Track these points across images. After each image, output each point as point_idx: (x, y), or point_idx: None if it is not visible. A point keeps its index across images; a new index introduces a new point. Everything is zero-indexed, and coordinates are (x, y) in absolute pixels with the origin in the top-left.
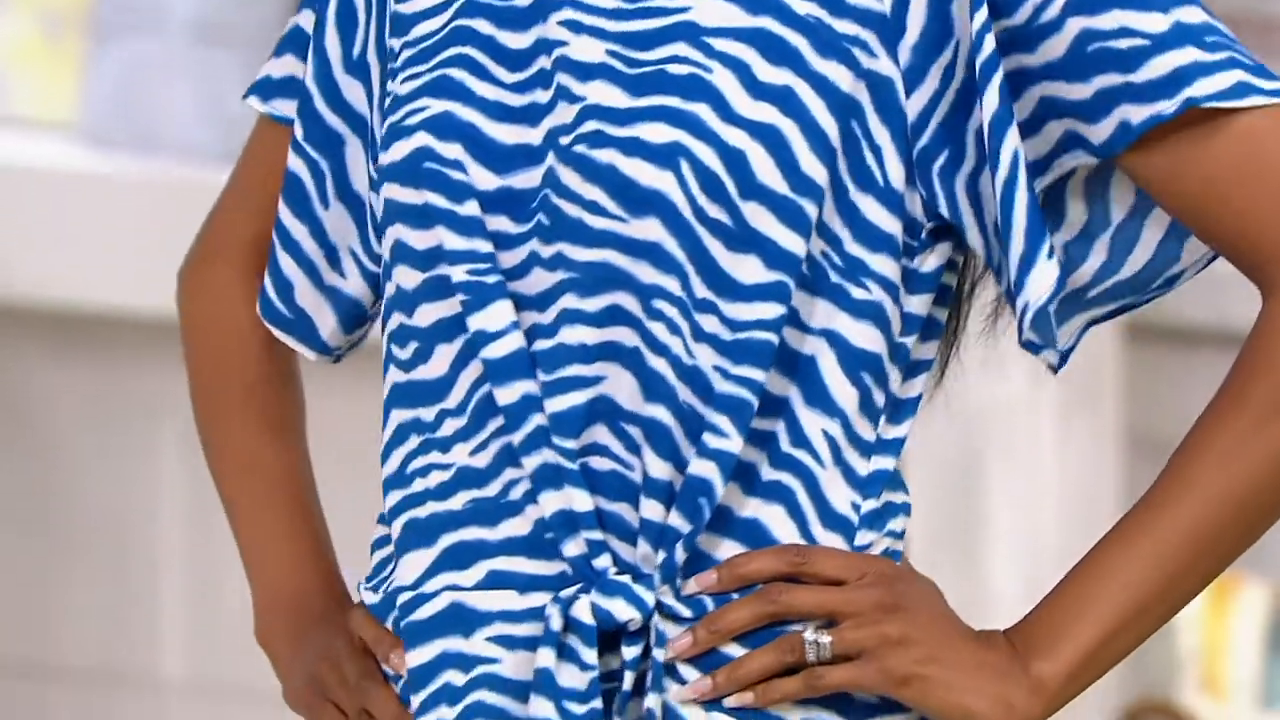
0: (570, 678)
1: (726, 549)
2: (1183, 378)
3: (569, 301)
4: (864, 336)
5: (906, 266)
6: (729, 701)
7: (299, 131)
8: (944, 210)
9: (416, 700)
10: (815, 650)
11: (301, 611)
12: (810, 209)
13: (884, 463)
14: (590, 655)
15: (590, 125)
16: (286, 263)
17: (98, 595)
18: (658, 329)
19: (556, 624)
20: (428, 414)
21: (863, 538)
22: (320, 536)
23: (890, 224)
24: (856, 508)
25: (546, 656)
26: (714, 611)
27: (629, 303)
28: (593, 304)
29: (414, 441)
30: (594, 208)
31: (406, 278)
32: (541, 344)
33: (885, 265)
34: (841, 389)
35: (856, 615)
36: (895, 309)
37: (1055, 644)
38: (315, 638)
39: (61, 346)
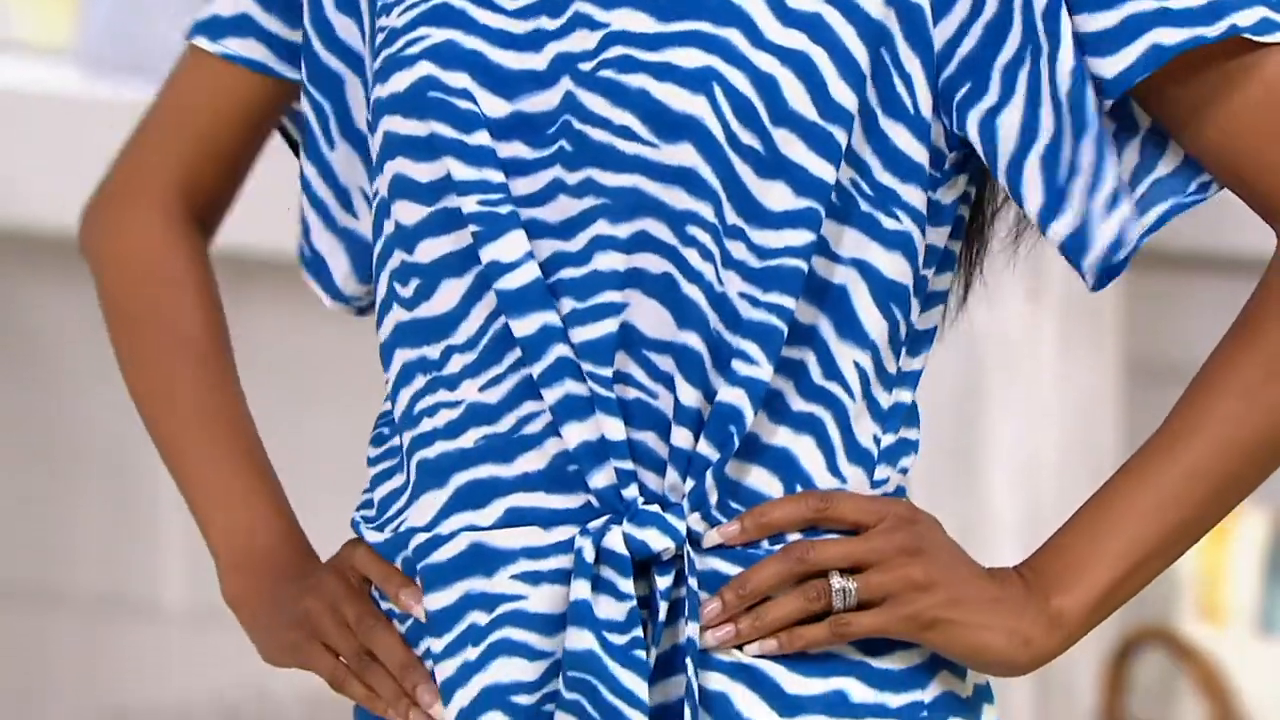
0: (608, 609)
1: (755, 477)
2: (1181, 304)
3: (601, 228)
4: (894, 267)
5: (930, 197)
6: (750, 649)
7: (303, 73)
8: (973, 140)
9: (440, 643)
10: (841, 597)
11: (273, 570)
12: (840, 136)
13: (903, 396)
14: (627, 585)
15: (617, 50)
16: (303, 203)
17: (100, 523)
18: (691, 255)
19: (589, 555)
20: (433, 351)
21: (880, 472)
22: (277, 490)
23: (919, 154)
24: (877, 441)
25: (582, 588)
26: (741, 574)
27: (659, 229)
28: (623, 230)
29: (420, 381)
30: (624, 132)
31: (408, 213)
32: (571, 271)
33: (914, 196)
34: (873, 320)
35: (881, 561)
36: (922, 240)
37: (1073, 580)
38: (291, 592)
39: (61, 272)
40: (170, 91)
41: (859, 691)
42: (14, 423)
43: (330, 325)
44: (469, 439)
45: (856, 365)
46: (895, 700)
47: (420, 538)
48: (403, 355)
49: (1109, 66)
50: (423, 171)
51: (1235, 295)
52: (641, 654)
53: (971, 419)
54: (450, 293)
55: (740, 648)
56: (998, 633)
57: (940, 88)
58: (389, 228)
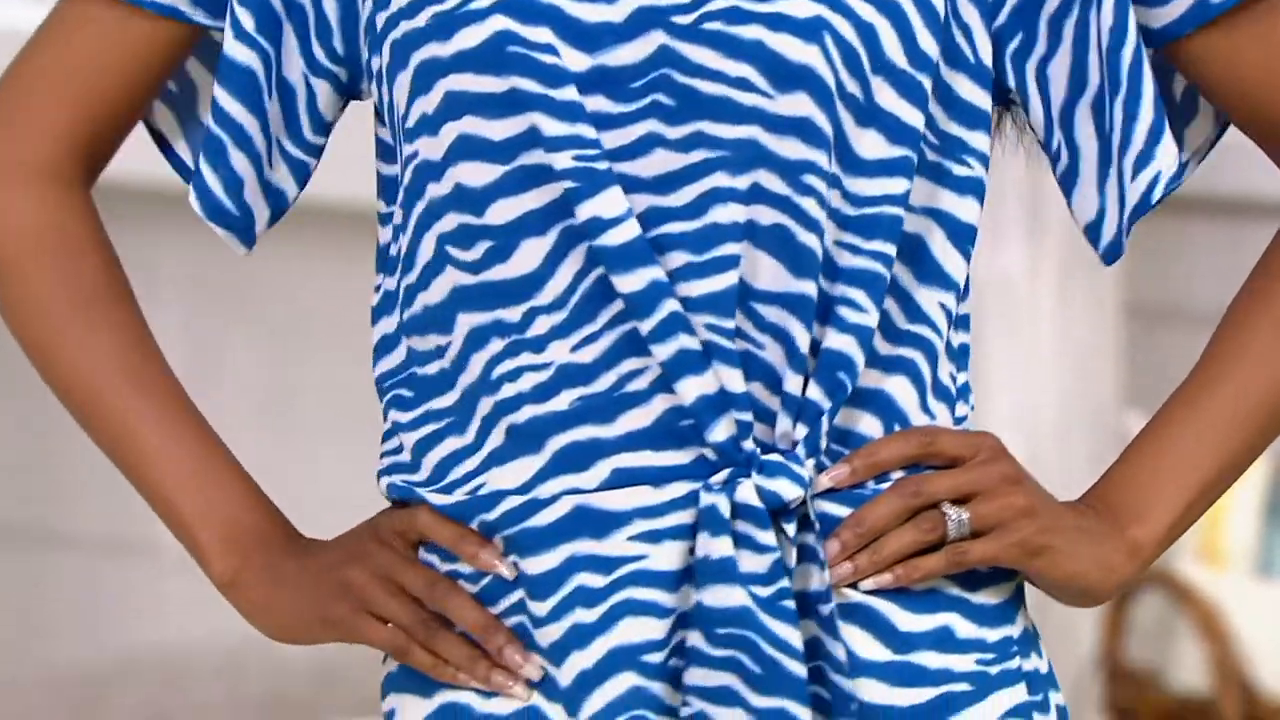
0: (751, 563)
1: (858, 420)
2: (1179, 246)
3: (718, 180)
4: (968, 211)
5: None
6: (866, 584)
7: (249, 22)
8: (1013, 92)
9: (545, 606)
10: (956, 526)
11: (264, 547)
12: (926, 83)
13: (965, 337)
14: (767, 537)
15: (724, 2)
16: (238, 159)
17: (99, 466)
18: (809, 204)
19: (725, 510)
20: (513, 314)
21: (960, 409)
22: (236, 462)
23: (983, 100)
24: (954, 379)
25: (723, 545)
26: (855, 513)
27: (773, 181)
28: (741, 182)
29: (497, 345)
30: (741, 84)
31: (476, 174)
32: (679, 226)
33: (982, 141)
34: (953, 262)
35: (987, 490)
36: (988, 181)
37: (1143, 509)
38: (289, 566)
39: None
40: (51, 29)
41: (962, 627)
42: (11, 366)
43: (318, 279)
44: (563, 401)
45: (942, 306)
46: (992, 635)
47: (513, 501)
48: (470, 319)
49: (1155, 18)
50: (498, 129)
51: (1234, 238)
52: (790, 604)
53: (970, 366)
54: (531, 253)
55: (855, 585)
56: (1087, 561)
57: (992, 37)
58: (439, 190)
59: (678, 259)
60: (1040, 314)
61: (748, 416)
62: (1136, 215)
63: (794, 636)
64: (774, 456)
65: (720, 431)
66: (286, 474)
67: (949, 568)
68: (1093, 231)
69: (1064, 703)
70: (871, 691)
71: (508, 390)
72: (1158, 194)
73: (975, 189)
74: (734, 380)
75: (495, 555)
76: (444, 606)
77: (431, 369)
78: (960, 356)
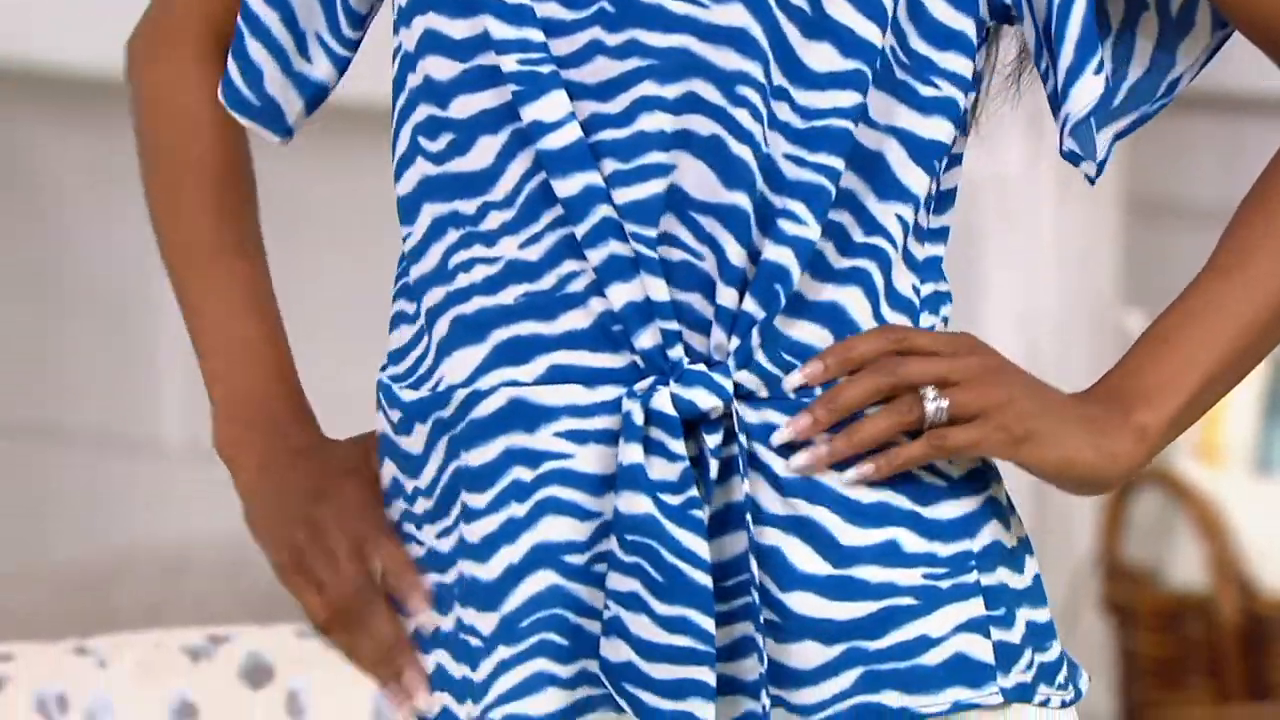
0: (661, 470)
1: (803, 330)
2: (1180, 142)
3: (647, 89)
4: (934, 129)
5: (975, 66)
6: (849, 475)
7: None
8: (1011, 9)
9: (483, 499)
10: (935, 411)
11: (268, 425)
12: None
13: (936, 249)
14: (678, 446)
15: None
16: (256, 50)
17: (98, 360)
18: (741, 115)
19: (638, 417)
20: (468, 207)
21: (924, 320)
22: (282, 344)
23: (962, 23)
24: (916, 290)
25: (634, 452)
26: (830, 390)
27: (707, 90)
28: (670, 91)
29: (453, 235)
30: None
31: (440, 68)
32: (612, 133)
33: (957, 63)
34: (914, 177)
35: (969, 378)
36: (965, 104)
37: (1152, 395)
38: (282, 460)
39: (63, 112)
40: None
41: (910, 541)
42: (12, 263)
43: (322, 169)
44: (509, 295)
45: (899, 218)
46: (945, 550)
47: (461, 394)
48: (432, 209)
49: None
50: (458, 28)
51: (1235, 134)
52: (699, 513)
53: (969, 265)
54: (486, 149)
55: (840, 470)
56: (1085, 447)
57: None
58: (414, 81)
59: (610, 166)
60: (1039, 212)
61: (673, 325)
62: (1074, 159)
63: (699, 546)
64: (698, 366)
65: (646, 339)
66: None
67: (929, 455)
68: (1072, 155)
69: (1045, 620)
70: (807, 604)
71: (461, 280)
72: (1065, 142)
73: (944, 109)
74: (658, 289)
75: (420, 601)
76: (362, 603)
77: (404, 251)
78: (927, 269)
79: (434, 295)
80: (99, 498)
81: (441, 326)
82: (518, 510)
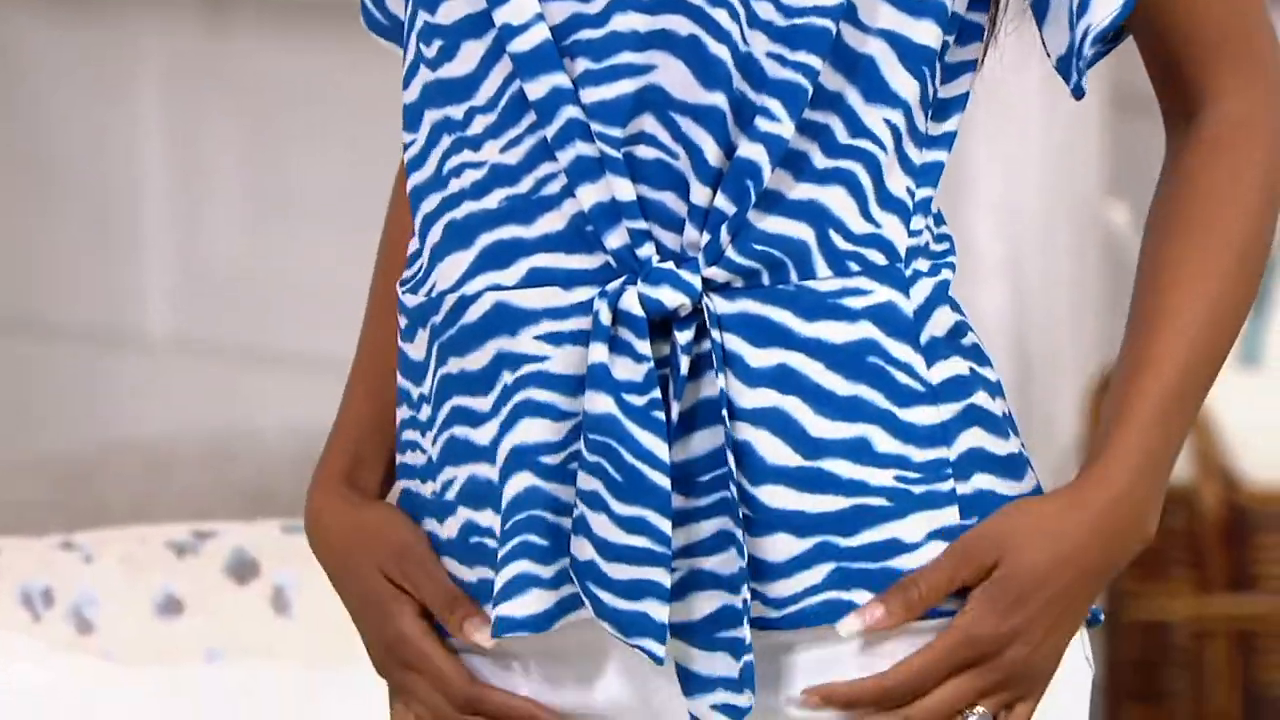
0: (625, 370)
1: (781, 225)
2: None
3: None
4: (925, 33)
5: None
6: None
7: None
8: None
9: (486, 402)
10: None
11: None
12: None
13: (938, 155)
14: (643, 346)
15: None
16: None
17: (84, 253)
18: (720, 15)
19: (605, 317)
20: (457, 112)
21: (916, 222)
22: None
23: None
24: (911, 193)
25: (599, 351)
26: (907, 661)
27: None
28: None
29: (446, 141)
30: None
31: None
32: (588, 33)
33: None
34: (903, 81)
35: (996, 670)
36: (951, 6)
37: (1118, 469)
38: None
39: (46, 6)
40: None
41: (883, 441)
42: None
43: (302, 69)
44: (493, 200)
45: (888, 122)
46: (919, 455)
47: (450, 299)
48: (431, 116)
49: None
50: None
51: None
52: (659, 415)
53: (952, 163)
54: (470, 54)
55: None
56: (1112, 552)
57: None
58: None
59: (582, 65)
60: (1025, 106)
61: (641, 225)
62: (1083, 63)
63: (658, 448)
64: (666, 264)
65: (615, 239)
66: (271, 266)
67: None
68: (1062, 66)
69: None
70: (779, 497)
71: (453, 186)
72: (1088, 48)
73: (933, 13)
74: (623, 189)
75: (474, 628)
76: (477, 707)
77: (406, 160)
78: (925, 174)
79: (430, 202)
80: (85, 392)
81: (436, 232)
82: (504, 413)
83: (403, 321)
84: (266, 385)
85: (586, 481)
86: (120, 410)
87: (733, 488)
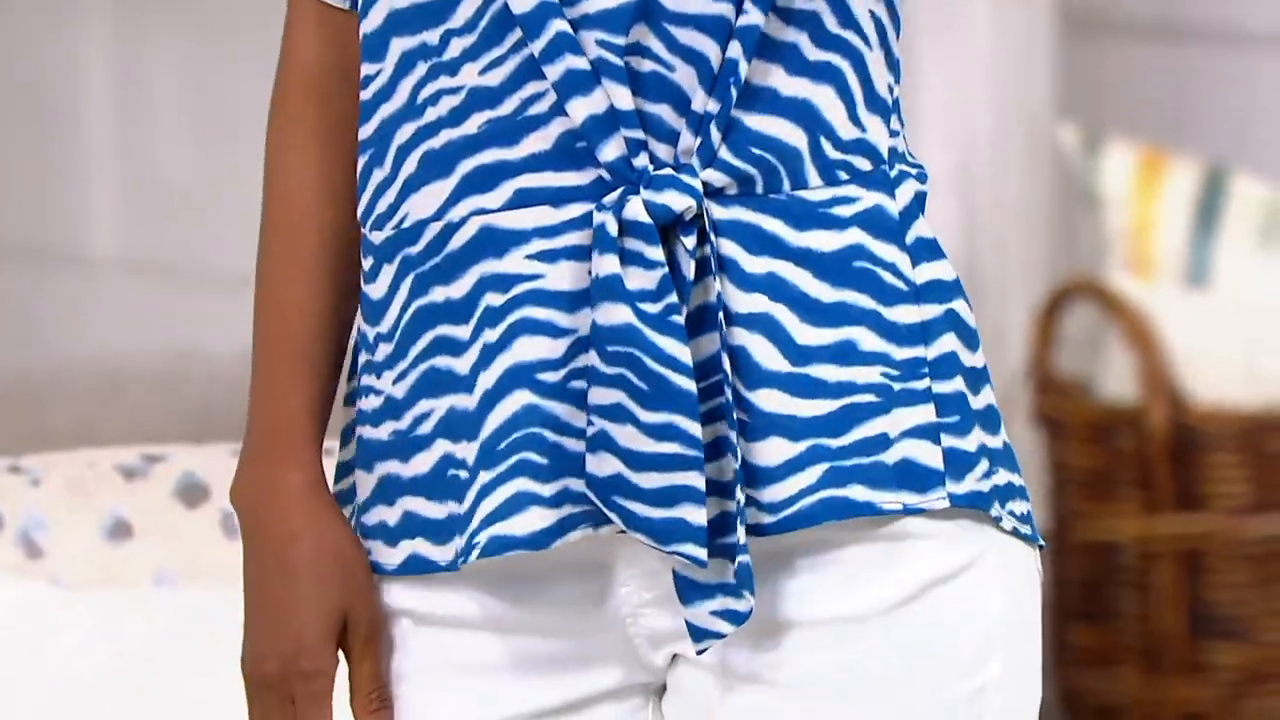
0: (638, 279)
1: (772, 125)
2: None
3: None
4: None
5: None
6: None
7: None
8: None
9: (466, 330)
10: None
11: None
12: None
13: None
14: (655, 253)
15: None
16: None
17: (28, 173)
18: None
19: (612, 228)
20: (432, 37)
21: (894, 122)
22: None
23: None
24: (891, 90)
25: (609, 263)
26: None
27: None
28: None
29: (421, 68)
30: None
31: None
32: None
33: None
34: None
35: None
36: None
37: None
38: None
39: None
40: None
41: (868, 340)
42: None
43: None
44: (473, 124)
45: (872, 14)
46: (899, 353)
47: (433, 229)
48: (400, 44)
49: None
50: None
51: None
52: (678, 319)
53: (902, 78)
54: None
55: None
56: None
57: None
58: None
59: None
60: (974, 24)
61: (638, 134)
62: None
63: (681, 352)
64: (665, 171)
65: (610, 151)
66: (220, 185)
67: None
68: None
69: (1000, 447)
70: (773, 401)
71: (430, 114)
72: None
73: None
74: (622, 98)
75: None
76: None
77: (366, 94)
78: (897, 69)
79: (404, 132)
80: (29, 314)
81: (410, 163)
82: (490, 336)
83: (366, 262)
84: (216, 306)
85: (605, 395)
86: (67, 332)
87: (728, 392)
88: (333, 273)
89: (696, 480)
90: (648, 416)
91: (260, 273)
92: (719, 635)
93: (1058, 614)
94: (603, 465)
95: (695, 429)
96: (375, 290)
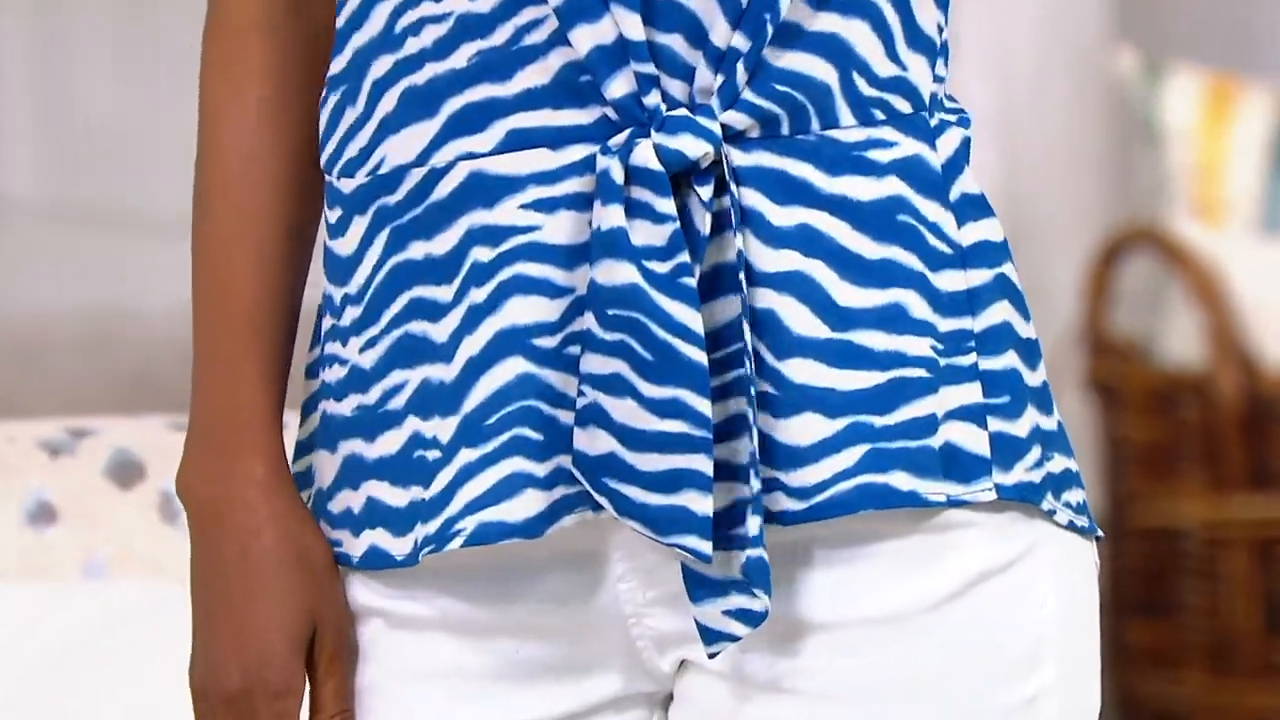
0: (645, 234)
1: (800, 61)
2: None
3: None
4: None
5: None
6: None
7: None
8: None
9: (449, 290)
10: None
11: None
12: None
13: None
14: (666, 205)
15: None
16: None
17: None
18: None
19: (618, 175)
20: None
21: (941, 67)
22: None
23: None
24: (940, 29)
25: (613, 214)
26: None
27: None
28: None
29: None
30: None
31: None
32: None
33: None
34: None
35: None
36: None
37: None
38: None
39: None
40: None
41: (918, 307)
42: None
43: None
44: (461, 57)
45: None
46: (944, 324)
47: (415, 176)
48: None
49: None
50: None
51: None
52: (690, 281)
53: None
54: None
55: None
56: None
57: None
58: None
59: None
60: None
61: (649, 69)
62: None
63: (692, 319)
64: (680, 112)
65: (619, 86)
66: (150, 125)
67: None
68: None
69: (1054, 428)
70: (807, 372)
71: (412, 46)
72: None
73: None
74: (632, 27)
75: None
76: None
77: (339, 20)
78: (945, 6)
79: (380, 65)
80: None
81: (388, 101)
82: (477, 296)
83: (333, 214)
84: (149, 258)
85: (601, 364)
86: None
87: (748, 364)
88: (283, 227)
89: (703, 464)
90: (651, 390)
91: (198, 235)
92: (733, 638)
93: (1114, 609)
94: (594, 442)
95: (704, 406)
96: (343, 246)
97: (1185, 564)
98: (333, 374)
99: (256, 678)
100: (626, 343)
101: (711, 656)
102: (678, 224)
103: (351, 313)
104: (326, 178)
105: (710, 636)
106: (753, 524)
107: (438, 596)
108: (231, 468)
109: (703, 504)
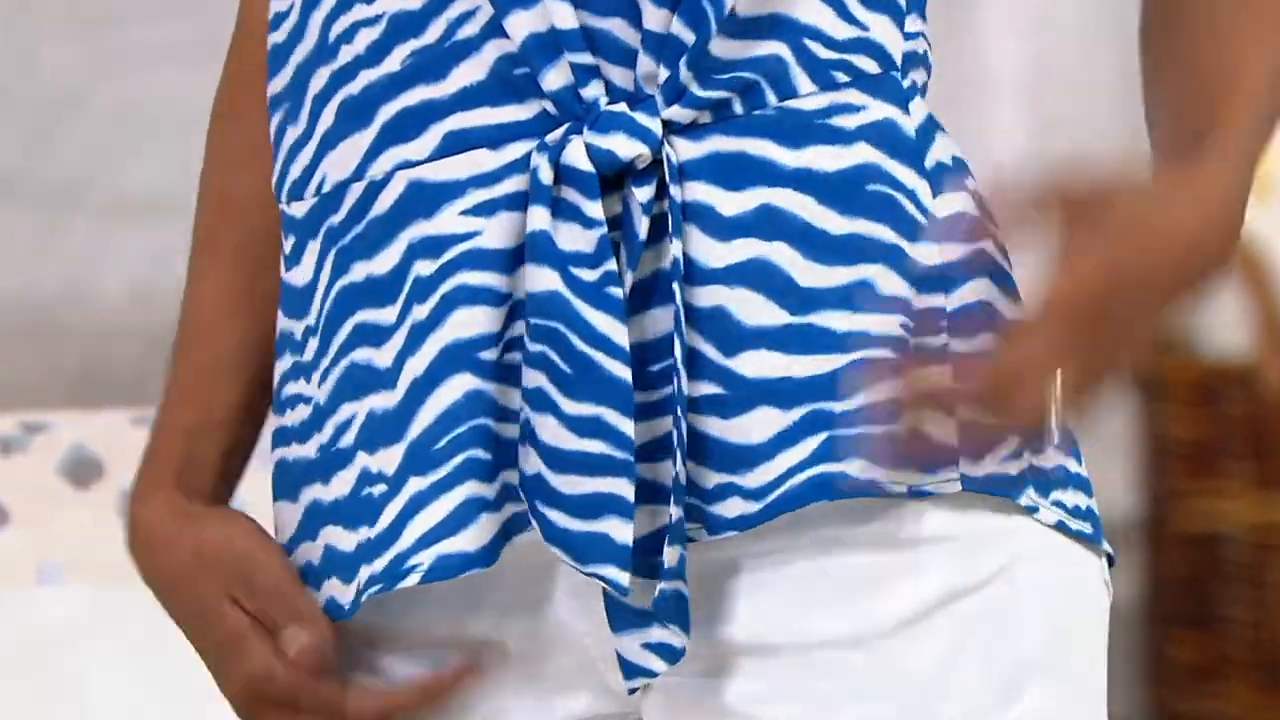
0: (571, 238)
1: (739, 48)
2: None
3: None
4: None
5: None
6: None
7: None
8: None
9: (393, 312)
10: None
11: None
12: None
13: None
14: (594, 208)
15: None
16: None
17: None
18: None
19: (546, 175)
20: None
21: (912, 24)
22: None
23: None
24: None
25: (539, 216)
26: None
27: None
28: None
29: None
30: None
31: None
32: None
33: None
34: None
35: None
36: None
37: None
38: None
39: None
40: None
41: (888, 282)
42: None
43: None
44: (395, 60)
45: None
46: (917, 300)
47: (355, 190)
48: None
49: None
50: None
51: None
52: (616, 291)
53: None
54: None
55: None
56: (1196, 262)
57: None
58: None
59: None
60: None
61: (586, 58)
62: None
63: (616, 331)
64: (618, 107)
65: (555, 78)
66: (105, 92)
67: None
68: None
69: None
70: (761, 364)
71: (345, 54)
72: None
73: None
74: (562, 15)
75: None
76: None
77: (277, 36)
78: None
79: (319, 79)
80: None
81: (327, 115)
82: (420, 313)
83: (288, 243)
84: (105, 237)
85: (531, 378)
86: None
87: (678, 380)
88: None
89: (624, 488)
90: (571, 407)
91: (190, 295)
92: (651, 674)
93: (1154, 619)
94: (529, 461)
95: (626, 425)
96: (299, 275)
97: (1229, 571)
98: (296, 415)
99: (254, 691)
100: (547, 355)
101: (631, 692)
102: (605, 229)
103: (312, 346)
104: (279, 204)
105: (629, 671)
106: (670, 555)
107: (401, 618)
108: (142, 481)
109: (623, 531)
